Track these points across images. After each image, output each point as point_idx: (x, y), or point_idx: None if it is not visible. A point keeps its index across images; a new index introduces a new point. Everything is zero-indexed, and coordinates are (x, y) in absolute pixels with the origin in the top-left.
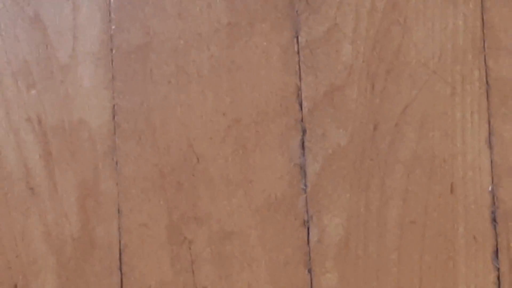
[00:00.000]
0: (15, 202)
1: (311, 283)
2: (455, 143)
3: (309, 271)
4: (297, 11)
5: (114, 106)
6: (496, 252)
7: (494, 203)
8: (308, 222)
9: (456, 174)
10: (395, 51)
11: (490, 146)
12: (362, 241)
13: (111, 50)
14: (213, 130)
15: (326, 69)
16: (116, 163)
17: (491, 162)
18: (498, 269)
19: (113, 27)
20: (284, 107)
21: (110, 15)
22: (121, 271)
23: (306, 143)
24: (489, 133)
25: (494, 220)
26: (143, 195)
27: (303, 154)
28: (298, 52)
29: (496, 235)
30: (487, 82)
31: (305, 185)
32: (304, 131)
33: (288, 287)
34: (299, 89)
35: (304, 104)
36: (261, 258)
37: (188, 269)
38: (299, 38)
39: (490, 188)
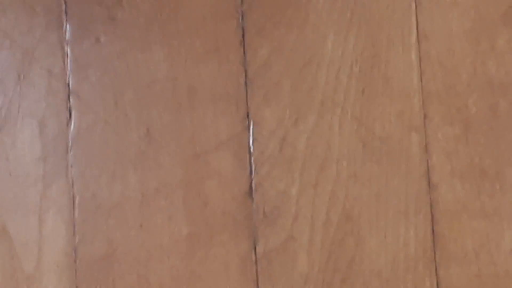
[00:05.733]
0: None
1: None
2: None
3: None
4: (254, 223)
5: None
6: None
7: None
8: None
9: None
10: (349, 261)
11: None
12: None
13: (75, 261)
14: None
15: (283, 279)
16: None
17: None
18: None
19: (77, 239)
20: None
21: (74, 227)
22: None
23: None
24: None
25: None
26: None
27: None
28: (256, 262)
29: None
30: None
31: None
32: None
33: None
34: None
35: None
36: None
37: None
38: (257, 248)
39: None
